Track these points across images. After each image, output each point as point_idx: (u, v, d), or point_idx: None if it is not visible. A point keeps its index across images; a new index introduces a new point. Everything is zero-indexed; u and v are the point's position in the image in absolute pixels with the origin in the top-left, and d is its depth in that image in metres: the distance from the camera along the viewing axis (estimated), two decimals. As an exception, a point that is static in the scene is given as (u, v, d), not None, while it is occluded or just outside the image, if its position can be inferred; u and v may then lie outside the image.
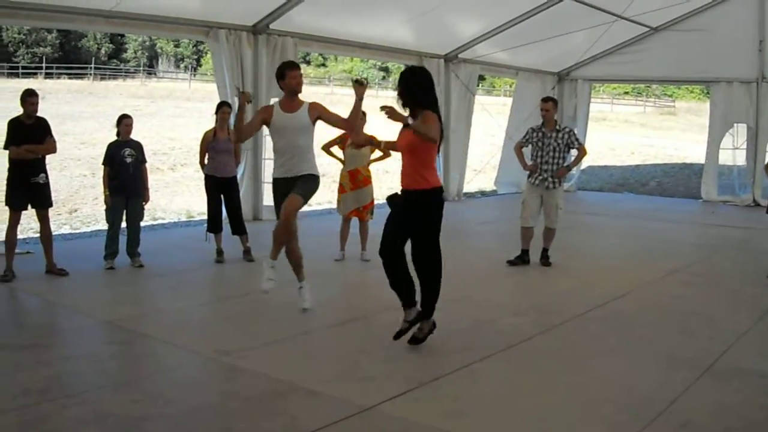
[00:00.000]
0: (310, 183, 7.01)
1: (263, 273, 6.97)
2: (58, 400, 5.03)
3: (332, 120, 7.02)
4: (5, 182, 8.49)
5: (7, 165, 8.43)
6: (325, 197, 16.23)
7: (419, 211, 6.14)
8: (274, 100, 12.78)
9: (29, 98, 8.32)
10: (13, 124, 8.32)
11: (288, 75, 6.99)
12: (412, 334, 6.28)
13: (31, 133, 8.33)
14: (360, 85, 6.56)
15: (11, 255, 8.42)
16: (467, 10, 14.53)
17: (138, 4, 10.49)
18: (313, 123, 7.04)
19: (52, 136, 8.51)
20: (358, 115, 6.92)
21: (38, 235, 8.97)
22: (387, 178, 22.48)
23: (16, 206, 8.44)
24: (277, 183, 7.14)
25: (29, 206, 8.53)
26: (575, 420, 4.96)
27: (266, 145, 12.79)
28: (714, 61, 17.17)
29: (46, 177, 8.55)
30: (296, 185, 6.91)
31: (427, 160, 6.17)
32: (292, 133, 6.98)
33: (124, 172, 9.02)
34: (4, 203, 8.57)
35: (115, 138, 9.21)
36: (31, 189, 8.40)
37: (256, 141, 12.53)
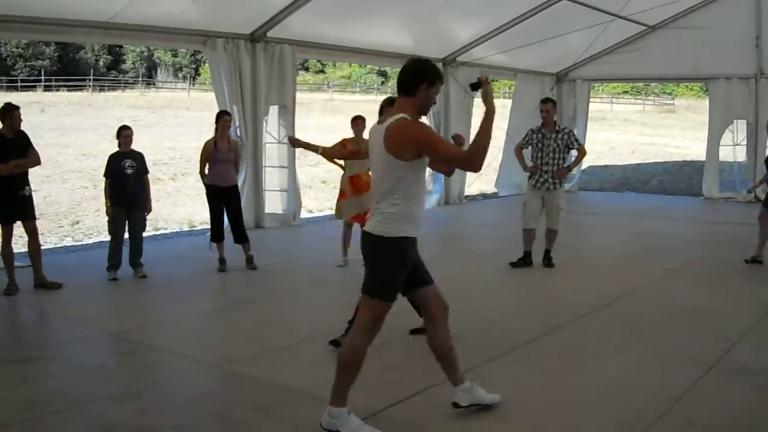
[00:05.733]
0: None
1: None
2: (62, 413, 5.02)
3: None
4: None
5: None
6: (327, 203, 16.22)
7: None
8: (272, 108, 12.92)
9: (15, 111, 8.26)
10: None
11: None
12: None
13: (15, 147, 8.26)
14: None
15: (11, 269, 8.38)
16: (464, 14, 14.52)
17: (135, 14, 10.47)
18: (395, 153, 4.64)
19: (33, 147, 8.47)
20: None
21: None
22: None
23: (6, 220, 8.38)
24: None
25: (17, 220, 8.48)
26: (581, 420, 4.96)
27: (266, 153, 12.82)
28: (712, 58, 17.17)
29: (30, 189, 8.54)
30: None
31: None
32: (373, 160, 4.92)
33: (125, 183, 9.00)
34: None
35: (116, 149, 9.21)
36: (18, 203, 8.36)
37: (256, 149, 12.54)
